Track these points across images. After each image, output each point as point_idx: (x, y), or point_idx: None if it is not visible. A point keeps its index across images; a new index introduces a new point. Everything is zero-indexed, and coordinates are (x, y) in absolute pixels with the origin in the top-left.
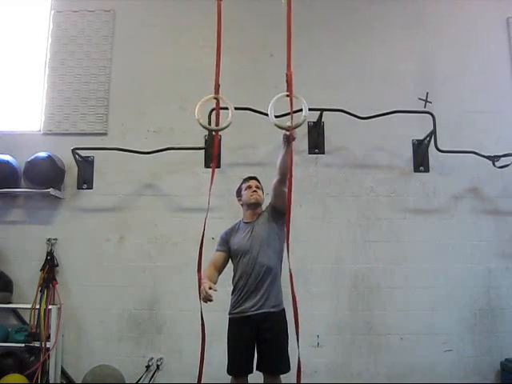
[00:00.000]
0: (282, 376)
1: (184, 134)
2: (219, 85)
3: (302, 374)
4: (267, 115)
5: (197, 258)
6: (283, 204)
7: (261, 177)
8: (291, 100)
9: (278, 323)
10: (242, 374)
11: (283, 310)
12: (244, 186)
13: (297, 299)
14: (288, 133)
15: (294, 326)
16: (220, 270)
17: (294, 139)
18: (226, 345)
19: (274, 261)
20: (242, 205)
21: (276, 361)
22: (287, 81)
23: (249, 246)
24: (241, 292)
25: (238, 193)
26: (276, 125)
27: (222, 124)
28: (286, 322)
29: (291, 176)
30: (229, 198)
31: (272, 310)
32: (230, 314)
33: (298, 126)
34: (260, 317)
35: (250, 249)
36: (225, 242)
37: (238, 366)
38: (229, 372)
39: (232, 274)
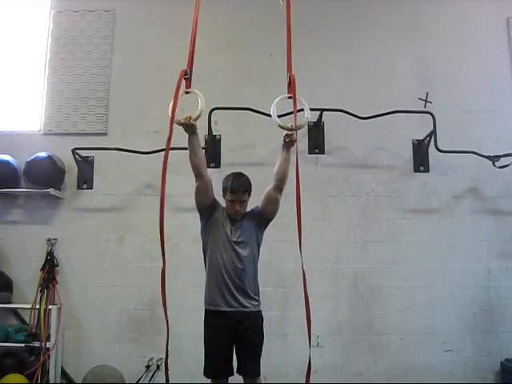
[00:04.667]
0: (283, 375)
1: (184, 134)
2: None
3: (301, 373)
4: (267, 115)
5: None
6: (273, 211)
7: (260, 177)
8: (295, 102)
9: (255, 323)
10: (220, 375)
11: (260, 311)
12: (227, 195)
13: (298, 299)
14: (290, 133)
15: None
16: (202, 161)
17: (295, 141)
18: (204, 343)
19: (252, 263)
20: None
21: (252, 361)
22: (290, 83)
23: (232, 242)
24: (219, 287)
25: (224, 191)
26: (279, 125)
27: (193, 115)
28: (263, 322)
29: (298, 179)
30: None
31: (251, 309)
32: (206, 306)
33: (300, 127)
34: (239, 315)
35: (233, 245)
36: (215, 202)
37: (215, 367)
38: (206, 374)
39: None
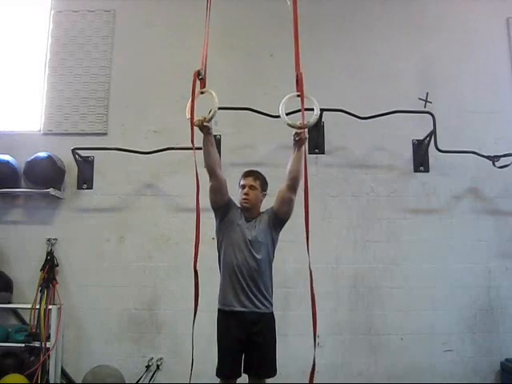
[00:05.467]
0: (283, 375)
1: (184, 134)
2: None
3: (302, 373)
4: (267, 115)
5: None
6: (287, 211)
7: None
8: (302, 100)
9: (268, 325)
10: (232, 376)
11: (273, 312)
12: (240, 182)
13: (299, 299)
14: (299, 131)
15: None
16: (217, 160)
17: (305, 139)
18: (217, 343)
19: (267, 263)
20: None
21: (266, 364)
22: (297, 81)
23: (247, 241)
24: (233, 287)
25: (239, 184)
26: (288, 124)
27: (207, 116)
28: (275, 324)
29: (306, 178)
30: None
31: (264, 311)
32: (219, 306)
33: (309, 125)
34: (252, 317)
35: (248, 245)
36: (230, 201)
37: (228, 367)
38: (218, 375)
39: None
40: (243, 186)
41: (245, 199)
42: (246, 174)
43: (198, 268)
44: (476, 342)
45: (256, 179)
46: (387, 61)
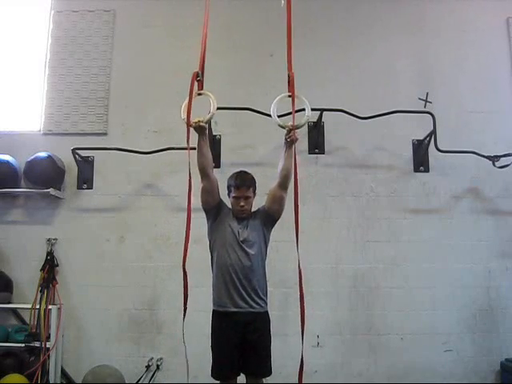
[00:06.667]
0: (283, 375)
1: (184, 134)
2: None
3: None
4: (267, 115)
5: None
6: (279, 210)
7: (260, 177)
8: (293, 100)
9: (263, 324)
10: (229, 376)
11: (267, 311)
12: (232, 192)
13: (298, 299)
14: (291, 133)
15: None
16: (210, 161)
17: (296, 140)
18: (211, 343)
19: (260, 262)
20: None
21: (261, 364)
22: (289, 81)
23: (240, 241)
24: (226, 287)
25: (229, 189)
26: (279, 125)
27: (205, 118)
28: (270, 323)
29: (296, 177)
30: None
31: (259, 310)
32: (214, 307)
33: (300, 126)
34: (247, 317)
35: (241, 245)
36: (221, 202)
37: (225, 368)
38: (214, 375)
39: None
40: (238, 198)
41: (242, 211)
42: (238, 185)
43: (196, 268)
44: (476, 342)
45: (249, 188)
46: (387, 60)
